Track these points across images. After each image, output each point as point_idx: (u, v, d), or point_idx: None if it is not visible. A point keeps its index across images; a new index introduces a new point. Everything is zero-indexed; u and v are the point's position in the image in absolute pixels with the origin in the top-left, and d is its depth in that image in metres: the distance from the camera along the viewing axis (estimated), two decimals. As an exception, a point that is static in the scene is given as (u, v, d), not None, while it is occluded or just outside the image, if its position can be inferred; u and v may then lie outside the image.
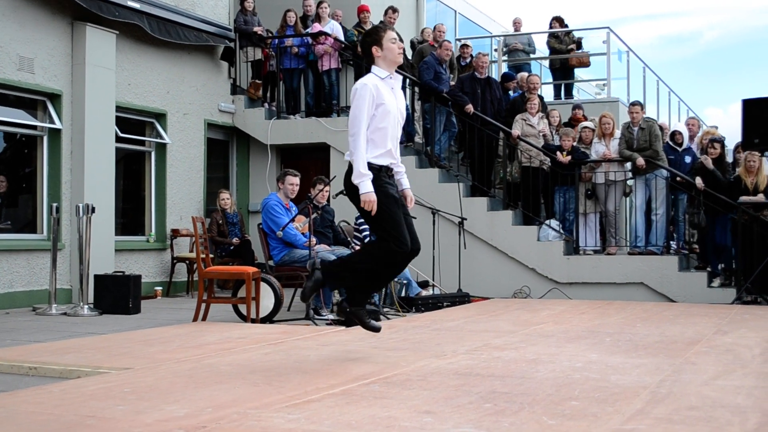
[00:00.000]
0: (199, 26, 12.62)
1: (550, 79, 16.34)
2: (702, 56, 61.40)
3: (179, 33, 12.23)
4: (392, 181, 5.64)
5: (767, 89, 56.75)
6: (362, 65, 11.69)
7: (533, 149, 11.82)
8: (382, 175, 5.52)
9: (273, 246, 8.96)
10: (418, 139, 13.23)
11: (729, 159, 11.71)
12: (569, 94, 16.12)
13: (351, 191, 5.53)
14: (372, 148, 5.49)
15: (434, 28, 13.79)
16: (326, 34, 13.08)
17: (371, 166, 5.46)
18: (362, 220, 10.14)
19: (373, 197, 5.38)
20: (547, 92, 15.85)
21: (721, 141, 11.43)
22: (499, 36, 17.65)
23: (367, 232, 9.62)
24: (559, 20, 15.62)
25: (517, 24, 16.58)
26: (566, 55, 15.45)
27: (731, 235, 10.90)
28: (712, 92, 56.13)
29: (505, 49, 16.31)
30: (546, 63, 16.98)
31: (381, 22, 13.17)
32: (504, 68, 16.01)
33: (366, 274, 5.60)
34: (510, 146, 12.18)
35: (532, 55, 16.27)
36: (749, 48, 58.41)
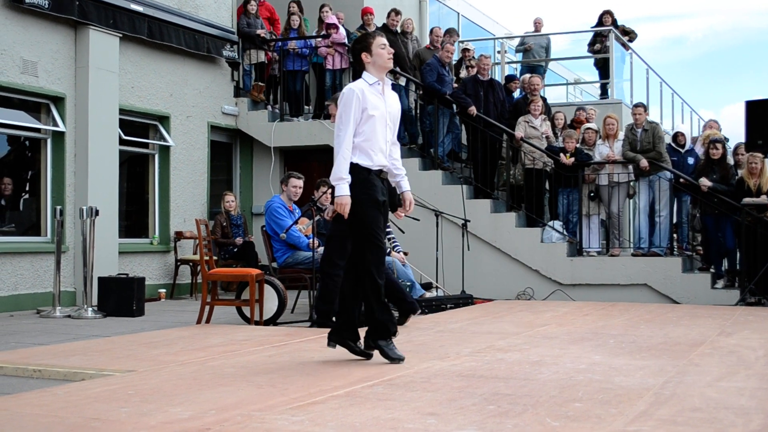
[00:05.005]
0: (203, 29, 12.63)
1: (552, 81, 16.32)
2: (697, 59, 61.49)
3: (181, 38, 12.24)
4: (382, 185, 5.71)
5: (759, 92, 56.77)
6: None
7: (536, 151, 11.82)
8: (371, 177, 5.61)
9: (276, 248, 8.96)
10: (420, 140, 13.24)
11: (730, 161, 11.67)
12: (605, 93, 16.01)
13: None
14: (360, 152, 5.62)
15: (431, 31, 13.77)
16: (335, 27, 13.08)
17: (360, 169, 5.57)
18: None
19: (347, 200, 5.53)
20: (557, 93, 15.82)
21: (722, 141, 11.41)
22: (501, 38, 17.64)
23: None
24: (610, 14, 15.52)
25: (537, 24, 16.39)
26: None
27: (735, 237, 10.89)
28: (705, 95, 56.26)
29: (521, 48, 16.20)
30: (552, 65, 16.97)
31: (384, 25, 13.18)
32: (507, 70, 15.99)
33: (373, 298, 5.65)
34: (513, 148, 12.18)
35: (534, 57, 16.24)
36: (744, 51, 58.48)
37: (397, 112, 5.89)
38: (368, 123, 5.61)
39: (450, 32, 14.13)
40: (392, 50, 5.90)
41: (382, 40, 5.76)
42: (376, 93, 5.69)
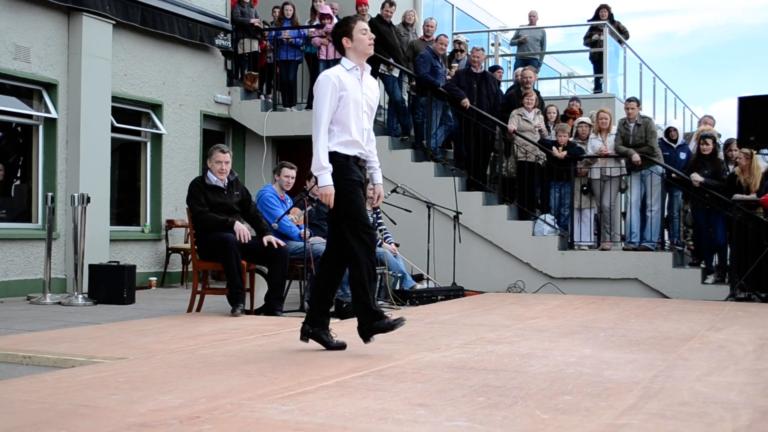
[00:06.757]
0: (196, 17, 12.59)
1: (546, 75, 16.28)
2: (688, 54, 61.61)
3: (174, 26, 12.20)
4: (360, 172, 5.63)
5: (749, 88, 56.87)
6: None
7: (529, 144, 11.83)
8: (350, 164, 5.55)
9: (268, 238, 8.92)
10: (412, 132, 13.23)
11: (722, 156, 11.69)
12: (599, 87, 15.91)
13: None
14: (337, 137, 5.52)
15: (424, 22, 13.75)
16: (330, 17, 13.07)
17: (338, 156, 5.49)
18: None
19: (331, 190, 5.43)
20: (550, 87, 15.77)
21: (713, 137, 11.43)
22: (496, 31, 17.62)
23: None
24: (606, 8, 15.45)
25: (532, 17, 16.33)
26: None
27: (726, 232, 10.93)
28: (695, 90, 56.45)
29: (515, 41, 16.16)
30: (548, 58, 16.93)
31: (378, 15, 13.15)
32: (501, 62, 15.96)
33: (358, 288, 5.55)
34: (506, 141, 12.19)
35: (529, 51, 16.22)
36: (736, 47, 58.65)
37: (375, 99, 5.77)
38: (344, 110, 5.49)
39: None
40: (373, 36, 5.78)
41: (363, 25, 5.65)
42: (353, 79, 5.59)
